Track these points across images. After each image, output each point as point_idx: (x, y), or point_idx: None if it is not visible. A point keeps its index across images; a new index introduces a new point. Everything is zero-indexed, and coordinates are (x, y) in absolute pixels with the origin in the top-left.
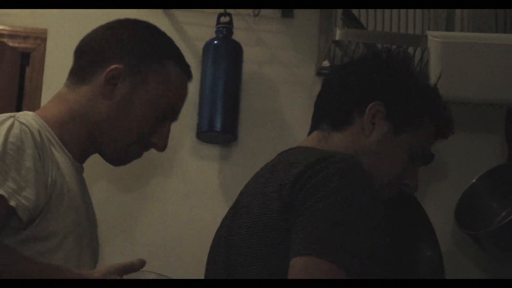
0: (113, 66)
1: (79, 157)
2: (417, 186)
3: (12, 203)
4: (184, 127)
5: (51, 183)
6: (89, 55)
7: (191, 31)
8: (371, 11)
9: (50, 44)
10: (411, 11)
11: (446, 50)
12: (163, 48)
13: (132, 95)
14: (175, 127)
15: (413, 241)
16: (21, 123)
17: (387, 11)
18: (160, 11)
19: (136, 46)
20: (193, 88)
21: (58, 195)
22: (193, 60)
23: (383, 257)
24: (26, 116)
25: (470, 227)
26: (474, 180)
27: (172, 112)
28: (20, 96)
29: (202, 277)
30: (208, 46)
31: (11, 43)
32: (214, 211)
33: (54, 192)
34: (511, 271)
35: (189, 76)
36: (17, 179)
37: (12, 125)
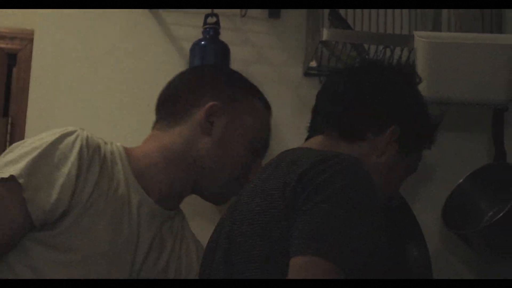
0: (211, 103)
1: (161, 198)
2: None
3: (26, 195)
4: None
5: (88, 199)
6: (181, 98)
7: (177, 31)
8: (358, 11)
9: (37, 45)
10: (398, 11)
11: (433, 50)
12: (248, 87)
13: (230, 131)
14: None
15: (401, 241)
16: (85, 136)
17: (374, 11)
18: (146, 11)
19: (227, 84)
20: None
21: (94, 214)
22: (180, 61)
23: (381, 258)
24: (108, 143)
25: (458, 227)
26: (461, 180)
27: (263, 147)
28: (7, 97)
29: None
30: (195, 46)
31: None
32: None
33: (87, 208)
34: (498, 270)
35: (269, 111)
36: (43, 178)
37: (77, 137)
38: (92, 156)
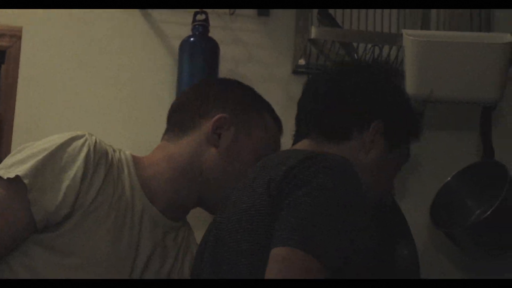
0: (219, 115)
1: (166, 207)
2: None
3: (30, 196)
4: (162, 127)
5: (92, 203)
6: (191, 109)
7: (167, 29)
8: (347, 10)
9: (25, 42)
10: (387, 10)
11: (421, 48)
12: (258, 101)
13: (237, 143)
14: (150, 126)
15: (391, 240)
16: (94, 140)
17: (363, 10)
18: (136, 10)
19: (238, 97)
20: (169, 86)
21: (97, 218)
22: (169, 58)
23: (363, 254)
24: (117, 150)
25: (445, 225)
26: (449, 178)
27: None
28: None
29: None
30: (184, 43)
31: None
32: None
33: (90, 212)
34: (486, 268)
35: (280, 129)
36: (49, 183)
37: (85, 142)
38: (99, 161)
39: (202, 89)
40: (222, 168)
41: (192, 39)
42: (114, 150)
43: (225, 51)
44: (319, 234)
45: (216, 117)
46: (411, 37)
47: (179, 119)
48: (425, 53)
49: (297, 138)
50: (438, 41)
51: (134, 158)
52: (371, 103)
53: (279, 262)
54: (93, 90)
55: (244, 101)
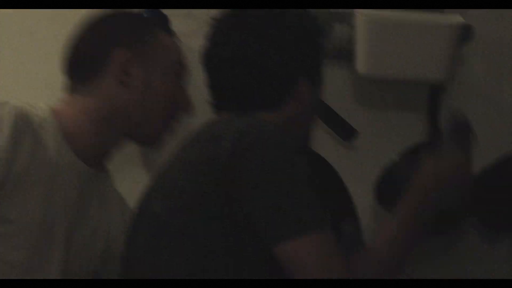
0: (116, 52)
1: (92, 159)
2: None
3: None
4: None
5: (23, 170)
6: (88, 55)
7: None
8: None
9: None
10: None
11: (373, 28)
12: (144, 23)
13: (148, 75)
14: None
15: (335, 218)
16: (17, 107)
17: None
18: None
19: (128, 28)
20: None
21: (28, 184)
22: None
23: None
24: (27, 104)
25: (390, 203)
26: (395, 157)
27: (181, 69)
28: None
29: None
30: None
31: None
32: None
33: (22, 179)
34: (430, 247)
35: (171, 34)
36: None
37: (8, 110)
38: (25, 127)
39: (94, 32)
40: (141, 105)
41: None
42: (33, 107)
43: None
44: (308, 211)
45: (117, 56)
46: (363, 16)
47: (81, 68)
48: (377, 33)
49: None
50: (390, 21)
51: (55, 115)
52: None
53: (314, 252)
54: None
55: (136, 28)
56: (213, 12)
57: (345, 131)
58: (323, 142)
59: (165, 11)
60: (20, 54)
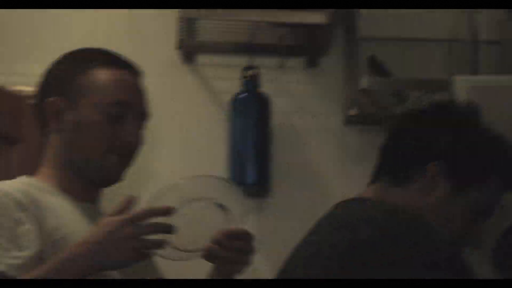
0: (46, 101)
1: (87, 197)
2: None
3: (1, 267)
4: None
5: (52, 228)
6: (36, 109)
7: (217, 85)
8: (396, 55)
9: None
10: (436, 55)
11: (473, 94)
12: (83, 62)
13: (77, 116)
14: None
15: None
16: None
17: (410, 54)
18: (185, 67)
19: (59, 76)
20: (222, 142)
21: (62, 238)
22: (220, 114)
23: None
24: (5, 182)
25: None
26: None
27: (123, 106)
28: None
29: None
30: (235, 99)
31: None
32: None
33: (56, 236)
34: None
35: (125, 69)
36: (1, 243)
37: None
38: (26, 197)
39: (40, 80)
40: (75, 146)
41: (242, 94)
42: (3, 185)
43: (276, 104)
44: None
45: (46, 103)
46: (462, 83)
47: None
48: (477, 99)
49: (371, 180)
50: (490, 85)
51: (35, 176)
52: (428, 143)
53: None
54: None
55: (68, 73)
56: None
57: None
58: None
59: None
60: None
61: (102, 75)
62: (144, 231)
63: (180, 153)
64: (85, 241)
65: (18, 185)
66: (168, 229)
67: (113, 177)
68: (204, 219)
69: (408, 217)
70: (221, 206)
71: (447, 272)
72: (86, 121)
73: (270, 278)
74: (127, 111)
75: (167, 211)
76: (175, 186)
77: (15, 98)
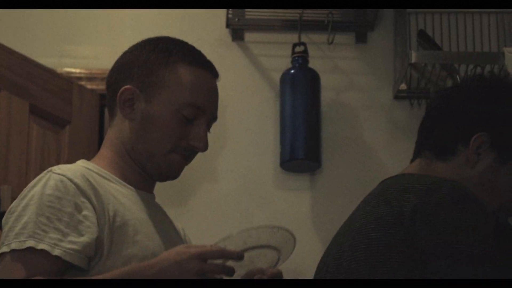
0: (122, 89)
1: (144, 186)
2: None
3: (56, 252)
4: (267, 158)
5: (113, 214)
6: (109, 91)
7: (266, 62)
8: (445, 30)
9: None
10: (485, 27)
11: None
12: (166, 55)
13: (150, 108)
14: (257, 159)
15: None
16: (57, 174)
17: (461, 29)
18: (234, 45)
19: (139, 62)
20: (272, 118)
21: (122, 224)
22: (270, 91)
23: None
24: (66, 166)
25: None
26: None
27: (198, 110)
28: (101, 136)
29: None
30: (285, 76)
31: (89, 85)
32: (302, 240)
33: (116, 221)
34: None
35: (208, 70)
36: (59, 228)
37: (48, 179)
38: (87, 182)
39: (114, 65)
40: (143, 138)
41: (292, 71)
42: (62, 169)
43: (325, 80)
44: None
45: (120, 90)
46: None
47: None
48: None
49: (413, 157)
50: None
51: (95, 162)
52: (472, 115)
53: None
54: None
55: (148, 63)
56: None
57: None
58: None
59: None
60: None
61: (183, 72)
62: (210, 269)
63: (230, 130)
64: (152, 265)
65: (79, 169)
66: (230, 273)
67: (172, 175)
68: (258, 263)
69: (452, 188)
70: (276, 250)
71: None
72: (157, 116)
73: (321, 251)
74: (200, 115)
75: (238, 256)
76: (241, 233)
77: (65, 80)
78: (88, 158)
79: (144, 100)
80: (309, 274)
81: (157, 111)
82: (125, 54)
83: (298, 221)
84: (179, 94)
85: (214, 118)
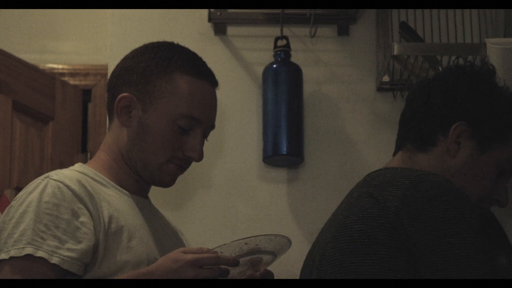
0: (120, 96)
1: (139, 191)
2: (507, 200)
3: (54, 260)
4: (249, 152)
5: (108, 220)
6: (109, 98)
7: (249, 56)
8: (427, 22)
9: None
10: (467, 19)
11: (506, 56)
12: (165, 63)
13: (146, 118)
14: (240, 153)
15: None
16: (55, 180)
17: (443, 20)
18: (216, 38)
19: (138, 70)
20: (255, 113)
21: (117, 230)
22: (253, 85)
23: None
24: (63, 171)
25: None
26: None
27: (194, 121)
28: (84, 132)
29: None
30: (267, 70)
31: (72, 81)
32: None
33: (111, 227)
34: None
35: (206, 80)
36: (57, 235)
37: (45, 186)
38: (82, 188)
39: (119, 65)
40: (138, 146)
41: (274, 65)
42: (59, 176)
43: (307, 73)
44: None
45: (118, 97)
46: (495, 45)
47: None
48: (509, 61)
49: (395, 150)
50: None
51: (91, 166)
52: (450, 105)
53: None
54: None
55: (146, 72)
56: None
57: None
58: None
59: None
60: None
61: (180, 82)
62: (206, 276)
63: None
64: (149, 273)
65: (75, 175)
66: (225, 275)
67: (167, 183)
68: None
69: (434, 181)
70: (272, 254)
71: (465, 238)
72: (153, 126)
73: (305, 245)
74: (196, 125)
75: (233, 261)
76: (238, 241)
77: (47, 76)
78: (71, 153)
79: (141, 108)
80: (293, 267)
81: (153, 120)
82: (126, 59)
83: (281, 215)
84: (175, 104)
85: (211, 127)
